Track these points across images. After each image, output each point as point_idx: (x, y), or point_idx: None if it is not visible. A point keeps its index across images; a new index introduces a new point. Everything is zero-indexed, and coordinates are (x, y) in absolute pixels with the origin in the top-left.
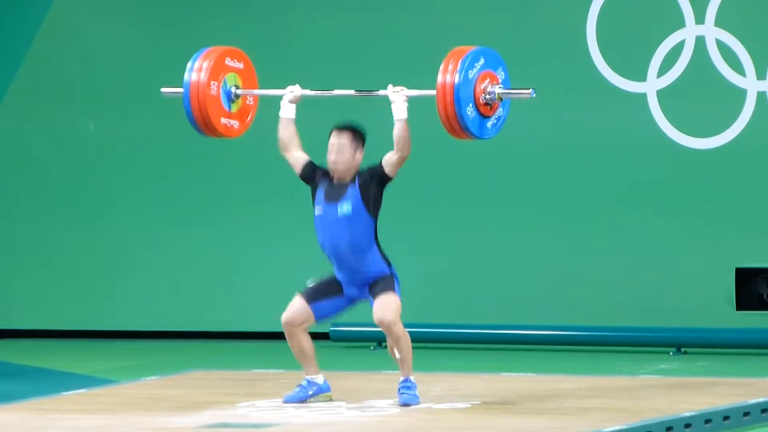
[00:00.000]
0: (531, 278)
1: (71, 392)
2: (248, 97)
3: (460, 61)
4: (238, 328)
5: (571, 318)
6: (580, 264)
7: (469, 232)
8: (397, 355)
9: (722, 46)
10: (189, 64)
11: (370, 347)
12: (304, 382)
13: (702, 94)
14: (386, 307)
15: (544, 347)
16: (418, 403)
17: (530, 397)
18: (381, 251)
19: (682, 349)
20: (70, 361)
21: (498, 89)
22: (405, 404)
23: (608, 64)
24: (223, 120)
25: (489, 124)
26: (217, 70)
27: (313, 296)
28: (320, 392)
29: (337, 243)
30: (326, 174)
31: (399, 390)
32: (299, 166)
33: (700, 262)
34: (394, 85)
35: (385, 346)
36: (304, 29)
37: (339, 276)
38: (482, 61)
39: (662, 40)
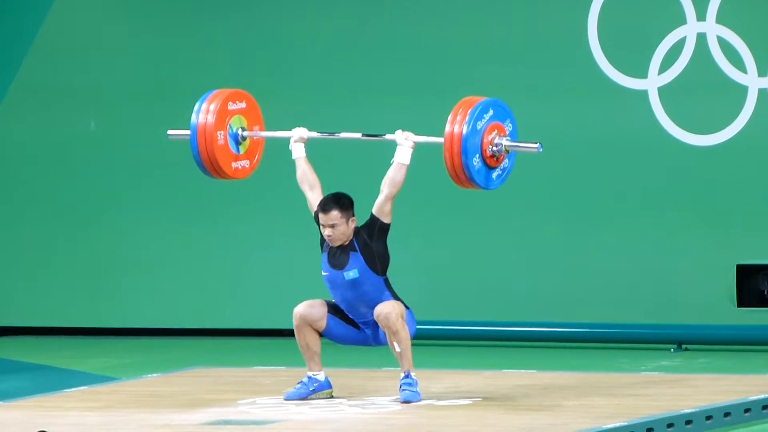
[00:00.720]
0: (533, 275)
1: (73, 389)
2: (256, 152)
3: (469, 112)
4: (239, 325)
5: (572, 315)
6: (581, 261)
7: (471, 228)
8: (397, 349)
9: (723, 43)
10: (193, 117)
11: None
12: (305, 379)
13: (703, 91)
14: (393, 309)
15: (546, 344)
16: (419, 400)
17: (532, 393)
18: (396, 299)
19: (683, 346)
20: (72, 359)
21: (505, 141)
22: (406, 401)
23: (609, 61)
24: (233, 164)
25: (494, 175)
26: (222, 117)
27: (334, 310)
28: (321, 389)
29: (349, 301)
30: None
31: (400, 386)
32: (312, 210)
33: (701, 259)
34: (403, 131)
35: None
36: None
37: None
38: (491, 112)
39: (663, 37)
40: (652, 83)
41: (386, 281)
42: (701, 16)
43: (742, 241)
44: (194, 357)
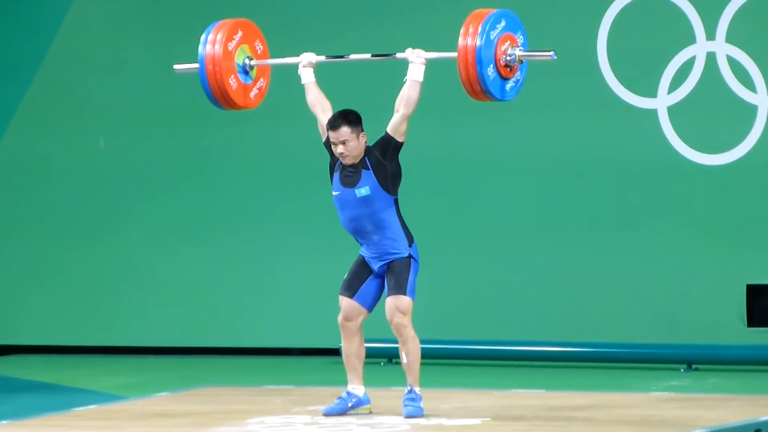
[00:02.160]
0: (542, 294)
1: (82, 408)
2: (261, 76)
3: (481, 23)
4: (248, 344)
5: (582, 334)
6: (591, 280)
7: (480, 247)
8: (404, 359)
9: (733, 62)
10: (202, 38)
11: (380, 363)
12: (344, 394)
13: (713, 111)
14: (398, 307)
15: (555, 363)
16: (422, 415)
17: (541, 413)
18: (403, 224)
19: (693, 366)
20: (81, 377)
21: (518, 51)
22: (409, 416)
23: (619, 80)
24: (243, 93)
25: (508, 86)
26: (228, 47)
27: (352, 288)
28: (360, 404)
29: (358, 222)
30: None
31: (403, 401)
32: (324, 135)
33: (711, 279)
34: (413, 49)
35: (396, 362)
36: None
37: (363, 250)
38: (503, 23)
39: (673, 56)
40: (661, 102)
41: (396, 201)
42: (711, 36)
43: (752, 260)
44: (203, 376)
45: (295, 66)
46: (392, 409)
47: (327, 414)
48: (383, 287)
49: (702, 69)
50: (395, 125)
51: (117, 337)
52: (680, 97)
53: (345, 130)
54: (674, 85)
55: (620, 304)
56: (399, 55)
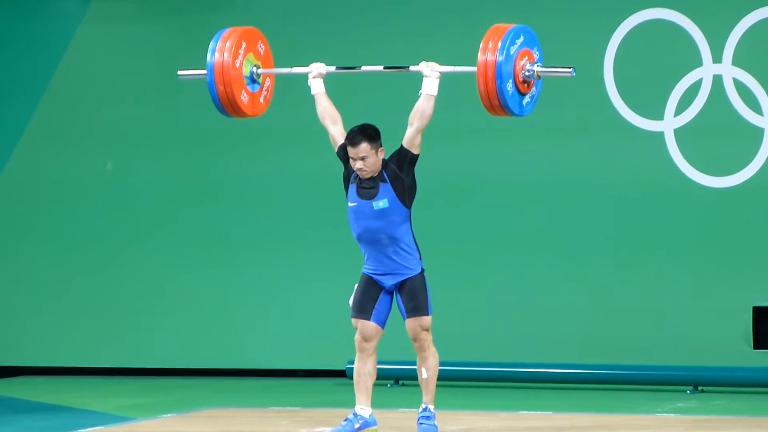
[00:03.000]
0: (548, 316)
1: (89, 429)
2: (267, 77)
3: (501, 39)
4: (255, 365)
5: (588, 356)
6: (597, 302)
7: (486, 270)
8: (424, 375)
9: (740, 85)
10: (211, 45)
11: (387, 385)
12: (351, 416)
13: (719, 133)
14: (420, 326)
15: (562, 385)
16: None
17: None
18: (414, 238)
19: (699, 388)
20: (88, 399)
21: (537, 67)
22: None
23: (625, 102)
24: (251, 102)
25: (525, 101)
26: (237, 56)
27: (366, 310)
28: (366, 426)
29: (374, 234)
30: None
31: (418, 420)
32: (336, 146)
33: (717, 301)
34: (427, 62)
35: (402, 384)
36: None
37: (373, 267)
38: (522, 38)
39: (680, 79)
40: (668, 125)
41: (410, 214)
42: (717, 58)
43: (758, 282)
44: (210, 397)
45: (307, 87)
46: (398, 430)
47: None
48: (392, 302)
49: (708, 92)
50: (410, 138)
51: (124, 358)
52: (687, 119)
53: (365, 147)
54: (681, 108)
55: (626, 326)
56: (413, 68)
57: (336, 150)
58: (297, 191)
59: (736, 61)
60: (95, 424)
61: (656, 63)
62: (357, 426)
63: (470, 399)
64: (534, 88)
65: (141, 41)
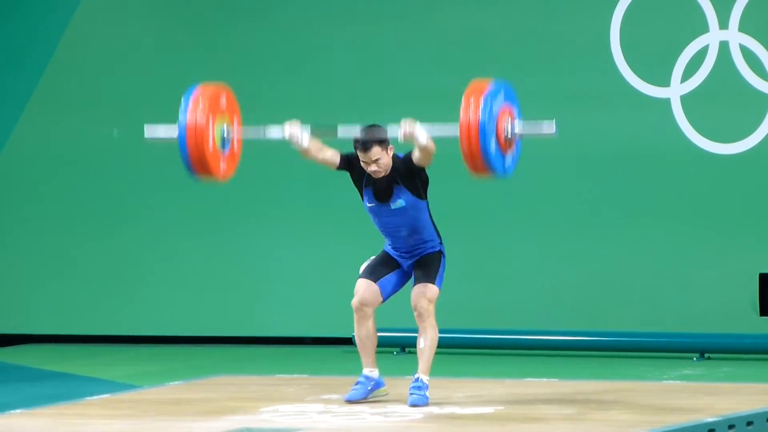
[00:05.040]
0: (554, 284)
1: (95, 397)
2: (234, 139)
3: (482, 97)
4: (261, 333)
5: (594, 324)
6: (603, 270)
7: (493, 238)
8: (421, 345)
9: (746, 51)
10: (181, 116)
11: (393, 352)
12: (362, 378)
13: (726, 100)
14: (423, 295)
15: (568, 353)
16: (426, 404)
17: (553, 402)
18: (434, 224)
19: (706, 355)
20: (94, 366)
21: (518, 126)
22: (414, 405)
23: (632, 69)
24: (221, 164)
25: (508, 161)
26: (209, 116)
27: (376, 274)
28: (378, 387)
29: (394, 228)
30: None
31: (409, 390)
32: (334, 165)
33: (723, 268)
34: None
35: (409, 352)
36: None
37: (393, 247)
38: (502, 94)
39: (686, 46)
40: (674, 91)
41: (428, 208)
42: (724, 25)
43: (764, 249)
44: (216, 365)
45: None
46: (405, 397)
47: (350, 400)
48: (404, 284)
49: (715, 58)
50: (418, 162)
51: (130, 326)
52: (693, 86)
53: (376, 150)
54: (687, 75)
55: (633, 294)
56: (391, 131)
57: (337, 167)
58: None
59: (743, 27)
60: (102, 391)
61: (662, 29)
62: (369, 388)
63: (476, 366)
64: (515, 145)
65: (146, 7)
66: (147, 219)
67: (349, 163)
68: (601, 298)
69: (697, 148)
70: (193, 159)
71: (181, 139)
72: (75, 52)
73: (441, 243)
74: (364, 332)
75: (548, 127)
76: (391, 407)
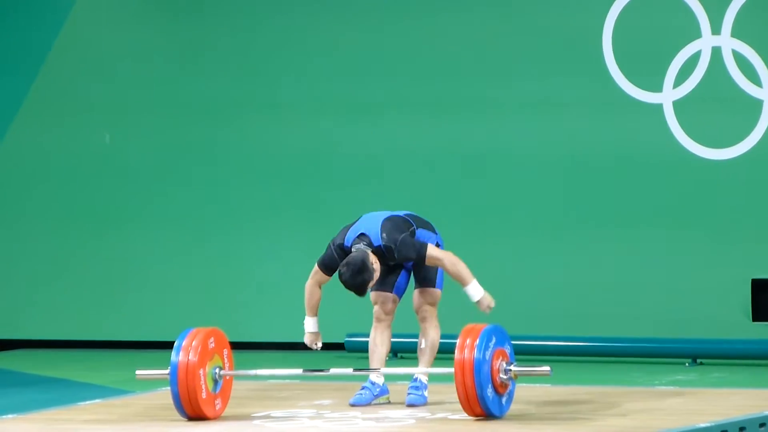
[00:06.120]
0: (546, 290)
1: (87, 402)
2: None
3: (476, 343)
4: (254, 338)
5: (586, 329)
6: (595, 275)
7: (484, 244)
8: (422, 345)
9: (739, 57)
10: (174, 356)
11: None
12: (368, 384)
13: (718, 105)
14: (426, 300)
15: (560, 358)
16: (424, 404)
17: (545, 407)
18: (426, 228)
19: (698, 360)
20: (86, 371)
21: (514, 368)
22: (411, 404)
23: (624, 74)
24: (213, 404)
25: (503, 401)
26: (203, 357)
27: (388, 283)
28: (383, 394)
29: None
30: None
31: (408, 389)
32: (330, 273)
33: (716, 273)
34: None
35: (401, 357)
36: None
37: None
38: (494, 339)
39: (678, 51)
40: (666, 97)
41: (414, 228)
42: (716, 30)
43: (757, 255)
44: None
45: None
46: (397, 403)
47: (355, 404)
48: (410, 275)
49: (707, 63)
50: (431, 262)
51: (122, 331)
52: (686, 91)
53: (370, 285)
54: (680, 80)
55: (625, 299)
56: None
57: (330, 277)
58: (296, 164)
59: (735, 33)
60: (94, 396)
61: (655, 35)
62: (375, 393)
63: None
64: (510, 385)
65: (139, 13)
66: (140, 224)
67: (333, 265)
68: (594, 303)
69: (690, 154)
70: (188, 412)
71: (173, 379)
72: (67, 57)
73: (436, 233)
74: (380, 339)
75: (545, 370)
76: (383, 412)
